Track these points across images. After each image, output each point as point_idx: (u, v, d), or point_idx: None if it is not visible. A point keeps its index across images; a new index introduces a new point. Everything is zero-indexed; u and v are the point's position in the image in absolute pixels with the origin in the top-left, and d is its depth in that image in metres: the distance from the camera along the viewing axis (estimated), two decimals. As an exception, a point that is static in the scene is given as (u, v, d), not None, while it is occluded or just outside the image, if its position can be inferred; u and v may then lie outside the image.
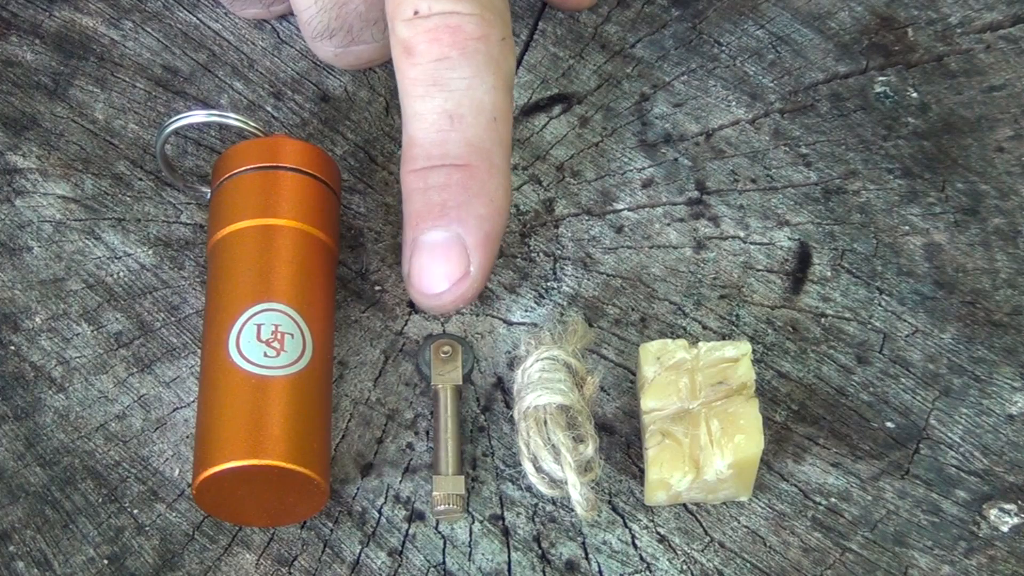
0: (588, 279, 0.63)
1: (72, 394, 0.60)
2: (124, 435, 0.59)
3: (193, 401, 0.60)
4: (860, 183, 0.65)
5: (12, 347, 0.61)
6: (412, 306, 0.63)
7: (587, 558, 0.57)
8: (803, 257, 0.63)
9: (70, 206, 0.64)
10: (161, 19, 0.69)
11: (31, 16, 0.69)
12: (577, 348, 0.58)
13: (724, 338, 0.61)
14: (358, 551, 0.57)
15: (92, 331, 0.61)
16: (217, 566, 0.56)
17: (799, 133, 0.67)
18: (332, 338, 0.59)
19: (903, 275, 0.63)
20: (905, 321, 0.62)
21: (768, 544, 0.57)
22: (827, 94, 0.68)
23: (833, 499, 0.58)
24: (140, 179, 0.65)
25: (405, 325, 0.62)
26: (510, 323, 0.62)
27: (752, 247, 0.64)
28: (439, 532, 0.57)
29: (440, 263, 0.58)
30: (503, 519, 0.58)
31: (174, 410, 0.60)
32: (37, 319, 0.61)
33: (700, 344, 0.58)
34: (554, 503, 0.58)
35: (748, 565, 0.57)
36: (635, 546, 0.57)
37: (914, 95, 0.67)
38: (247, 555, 0.57)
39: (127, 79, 0.68)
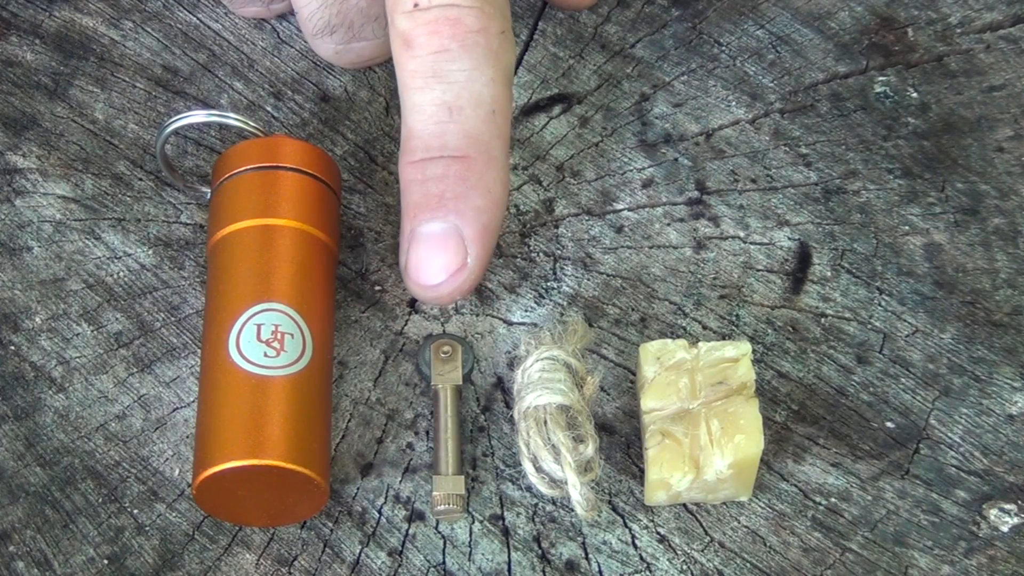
0: (588, 279, 0.63)
1: (72, 394, 0.60)
2: (124, 435, 0.59)
3: (193, 401, 0.60)
4: (860, 183, 0.65)
5: (12, 347, 0.61)
6: (412, 306, 0.63)
7: (587, 558, 0.57)
8: (803, 257, 0.63)
9: (70, 206, 0.64)
10: (161, 19, 0.69)
11: (31, 16, 0.69)
12: (577, 348, 0.58)
13: (724, 338, 0.61)
14: (358, 551, 0.57)
15: (92, 331, 0.61)
16: (217, 566, 0.57)
17: (799, 133, 0.67)
18: (332, 338, 0.59)
19: (903, 275, 0.63)
20: (905, 321, 0.62)
21: (768, 544, 0.57)
22: (827, 94, 0.68)
23: (833, 499, 0.58)
24: (140, 179, 0.65)
25: (405, 325, 0.62)
26: (510, 323, 0.62)
27: (752, 247, 0.64)
28: (439, 532, 0.57)
29: (437, 254, 0.58)
30: (503, 519, 0.58)
31: (174, 410, 0.60)
32: (37, 319, 0.61)
33: (700, 344, 0.58)
34: (554, 503, 0.58)
35: (748, 565, 0.57)
36: (635, 546, 0.57)
37: (914, 95, 0.67)
38: (247, 555, 0.57)
39: (127, 79, 0.68)
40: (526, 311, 0.62)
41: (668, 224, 0.64)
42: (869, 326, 0.62)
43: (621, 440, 0.59)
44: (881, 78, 0.68)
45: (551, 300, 0.62)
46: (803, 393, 0.60)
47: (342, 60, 0.66)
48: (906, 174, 0.65)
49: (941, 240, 0.64)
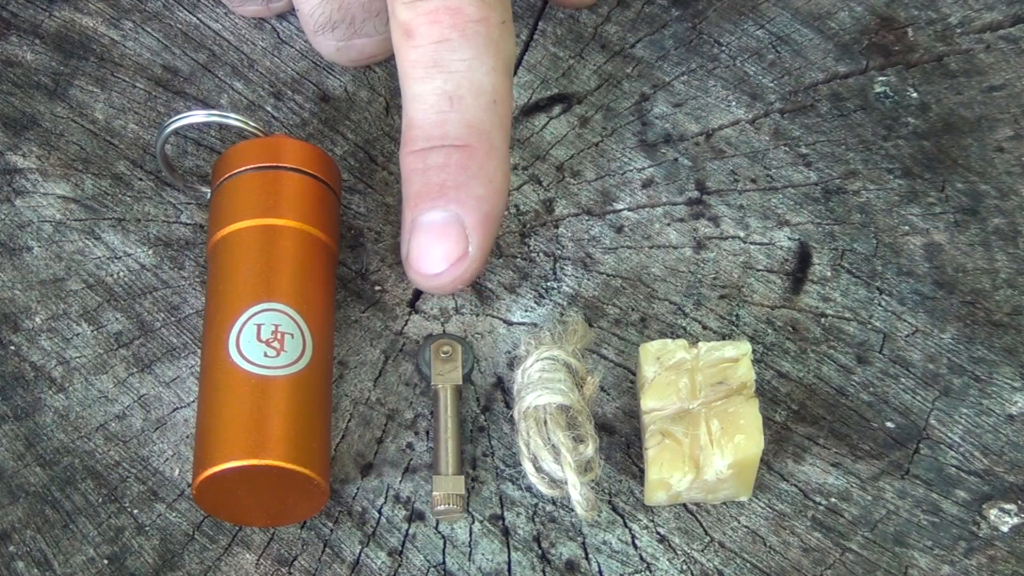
0: (588, 279, 0.63)
1: (72, 394, 0.60)
2: (124, 435, 0.59)
3: (193, 401, 0.60)
4: (860, 183, 0.65)
5: (12, 347, 0.61)
6: (412, 306, 0.63)
7: (587, 558, 0.57)
8: (803, 257, 0.63)
9: (70, 206, 0.64)
10: (161, 19, 0.69)
11: (31, 16, 0.69)
12: (577, 348, 0.58)
13: (724, 338, 0.61)
14: (358, 551, 0.57)
15: (92, 331, 0.61)
16: (217, 566, 0.57)
17: (799, 133, 0.67)
18: (332, 338, 0.59)
19: (903, 275, 0.63)
20: (905, 321, 0.62)
21: (768, 544, 0.57)
22: (827, 94, 0.68)
23: (833, 499, 0.58)
24: (140, 179, 0.65)
25: (405, 325, 0.62)
26: (510, 323, 0.62)
27: (752, 247, 0.64)
28: (439, 532, 0.57)
29: (438, 243, 0.58)
30: (503, 519, 0.58)
31: (174, 410, 0.60)
32: (37, 319, 0.61)
33: (700, 344, 0.58)
34: (554, 503, 0.58)
35: (748, 565, 0.57)
36: (635, 546, 0.57)
37: (914, 95, 0.67)
38: (247, 555, 0.57)
39: (127, 79, 0.68)
40: (526, 311, 0.62)
41: (668, 224, 0.64)
42: (869, 326, 0.62)
43: (621, 440, 0.59)
44: (881, 78, 0.68)
45: (551, 300, 0.62)
46: (803, 393, 0.60)
47: (343, 57, 0.66)
48: (906, 174, 0.65)
49: (941, 240, 0.64)
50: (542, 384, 0.57)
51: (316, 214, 0.60)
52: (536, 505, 0.58)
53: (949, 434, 0.59)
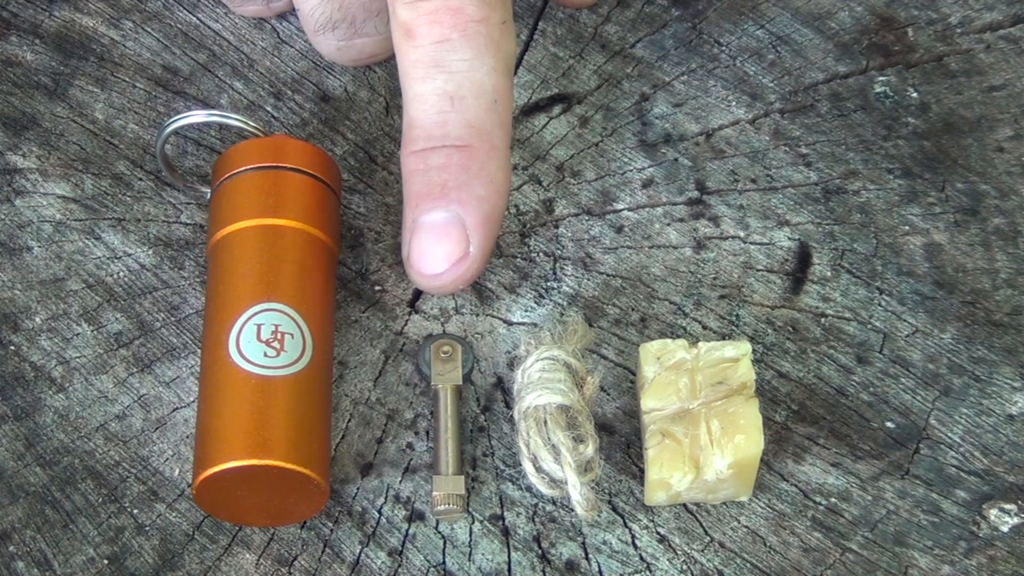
0: (588, 279, 0.63)
1: (72, 394, 0.60)
2: (124, 435, 0.59)
3: (193, 401, 0.60)
4: (860, 183, 0.65)
5: (12, 347, 0.61)
6: (412, 306, 0.63)
7: (587, 558, 0.57)
8: (803, 257, 0.63)
9: (70, 206, 0.64)
10: (161, 19, 0.69)
11: (31, 16, 0.69)
12: (577, 348, 0.58)
13: (724, 338, 0.61)
14: (358, 551, 0.57)
15: (92, 331, 0.61)
16: (217, 566, 0.57)
17: (799, 133, 0.67)
18: (332, 338, 0.59)
19: (903, 275, 0.63)
20: (905, 321, 0.62)
21: (768, 544, 0.57)
22: (827, 94, 0.68)
23: (833, 499, 0.58)
24: (140, 179, 0.65)
25: (405, 325, 0.62)
26: (510, 323, 0.62)
27: (752, 247, 0.64)
28: (439, 532, 0.57)
29: (439, 243, 0.58)
30: (503, 519, 0.58)
31: (174, 410, 0.60)
32: (37, 319, 0.61)
33: (700, 344, 0.58)
34: (554, 503, 0.58)
35: (748, 565, 0.57)
36: (635, 546, 0.57)
37: (914, 95, 0.67)
38: (247, 555, 0.57)
39: (127, 79, 0.68)
40: (526, 311, 0.62)
41: (668, 224, 0.64)
42: (869, 326, 0.62)
43: (621, 440, 0.59)
44: (881, 78, 0.68)
45: (551, 300, 0.62)
46: (803, 393, 0.60)
47: (343, 57, 0.66)
48: (906, 174, 0.65)
49: (941, 240, 0.64)
50: (542, 384, 0.57)
51: (316, 214, 0.60)
52: (536, 505, 0.58)
53: (949, 434, 0.59)
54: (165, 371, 0.60)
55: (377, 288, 0.63)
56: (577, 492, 0.56)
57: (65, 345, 0.61)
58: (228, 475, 0.54)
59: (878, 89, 0.68)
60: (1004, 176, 0.65)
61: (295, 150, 0.61)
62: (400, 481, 0.58)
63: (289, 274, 0.58)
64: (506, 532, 0.57)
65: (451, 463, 0.58)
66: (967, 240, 0.64)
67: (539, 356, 0.58)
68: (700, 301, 0.62)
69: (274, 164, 0.60)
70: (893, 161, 0.66)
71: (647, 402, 0.57)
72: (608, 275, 0.63)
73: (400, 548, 0.57)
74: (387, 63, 0.68)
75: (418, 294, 0.63)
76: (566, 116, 0.67)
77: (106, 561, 0.56)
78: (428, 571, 0.57)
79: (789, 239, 0.64)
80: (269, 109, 0.67)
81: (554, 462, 0.56)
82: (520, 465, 0.57)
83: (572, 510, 0.57)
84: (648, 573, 0.57)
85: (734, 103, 0.67)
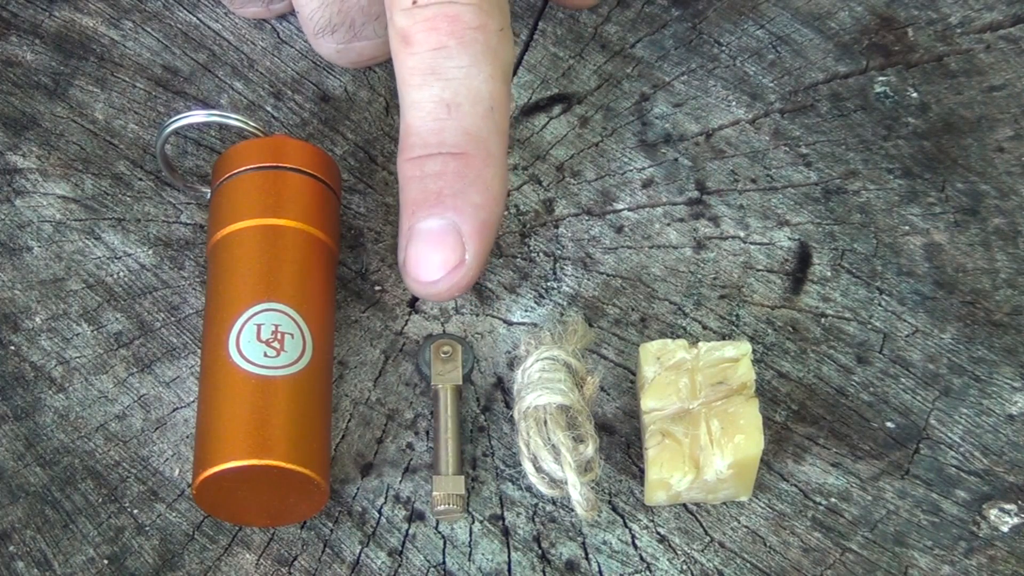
0: (588, 279, 0.63)
1: (72, 394, 0.60)
2: (124, 435, 0.59)
3: (193, 401, 0.60)
4: (860, 183, 0.65)
5: (12, 347, 0.61)
6: (412, 306, 0.63)
7: (587, 558, 0.57)
8: (803, 257, 0.63)
9: (70, 206, 0.64)
10: (161, 19, 0.69)
11: (31, 16, 0.69)
12: (577, 348, 0.58)
13: (724, 338, 0.61)
14: (358, 551, 0.57)
15: (92, 331, 0.61)
16: (217, 566, 0.57)
17: (799, 133, 0.67)
18: (332, 338, 0.59)
19: (903, 275, 0.63)
20: (905, 321, 0.62)
21: (768, 544, 0.57)
22: (827, 94, 0.68)
23: (833, 499, 0.58)
24: (140, 179, 0.65)
25: (405, 325, 0.62)
26: (510, 323, 0.62)
27: (752, 247, 0.64)
28: (439, 532, 0.57)
29: (435, 251, 0.58)
30: (503, 519, 0.58)
31: (174, 410, 0.60)
32: (37, 319, 0.61)
33: (700, 344, 0.58)
34: (554, 503, 0.58)
35: (748, 565, 0.57)
36: (635, 546, 0.57)
37: (914, 95, 0.67)
38: (247, 555, 0.57)
39: (127, 79, 0.68)
40: (526, 311, 0.62)
41: (668, 224, 0.64)
42: (869, 326, 0.62)
43: (621, 440, 0.59)
44: (881, 78, 0.68)
45: (551, 300, 0.62)
46: (803, 393, 0.60)
47: (343, 60, 0.66)
48: (906, 174, 0.65)
49: (941, 240, 0.64)
50: (542, 384, 0.57)
51: (316, 214, 0.60)
52: (536, 505, 0.58)
53: (949, 434, 0.59)
54: (165, 371, 0.61)
55: (377, 288, 0.63)
56: (577, 492, 0.56)
57: (65, 345, 0.61)
58: (228, 475, 0.54)
59: (878, 89, 0.68)
60: (1004, 176, 0.65)
61: (295, 150, 0.61)
62: (400, 481, 0.58)
63: (289, 274, 0.58)
64: (506, 532, 0.57)
65: (451, 463, 0.58)
66: (967, 240, 0.64)
67: (539, 356, 0.58)
68: (700, 301, 0.62)
69: (274, 164, 0.60)
70: (893, 161, 0.66)
71: (647, 402, 0.57)
72: (608, 275, 0.63)
73: (400, 548, 0.57)
74: (387, 64, 0.68)
75: (418, 294, 0.63)
76: (566, 116, 0.67)
77: (106, 561, 0.56)
78: (428, 571, 0.57)
79: (789, 239, 0.64)
80: (269, 109, 0.67)
81: (554, 462, 0.56)
82: (520, 465, 0.57)
83: (572, 510, 0.57)
84: (648, 573, 0.57)
85: (734, 103, 0.67)
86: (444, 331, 0.62)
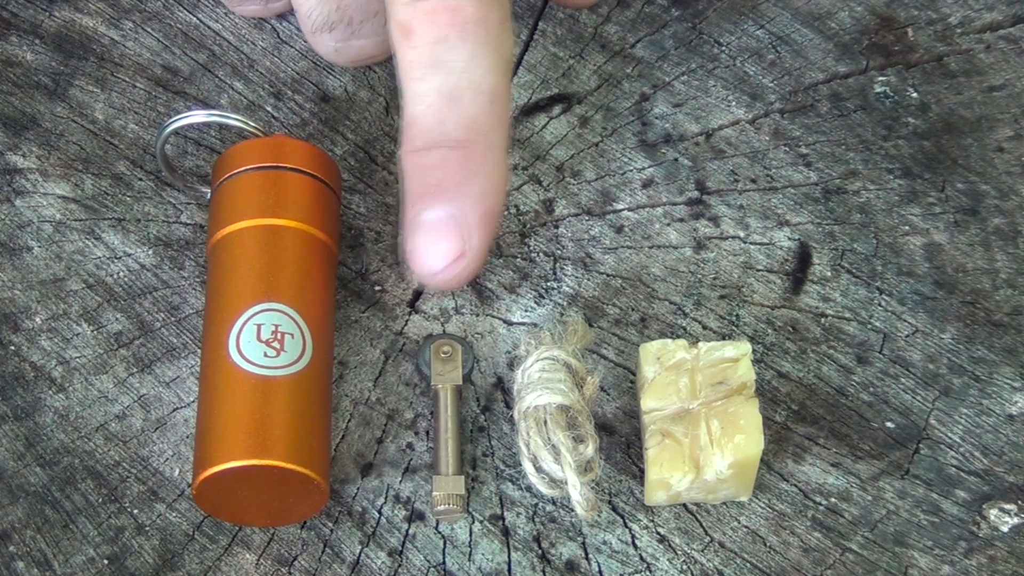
0: (588, 279, 0.63)
1: (72, 394, 0.60)
2: (124, 435, 0.59)
3: (193, 401, 0.60)
4: (860, 183, 0.65)
5: (12, 347, 0.61)
6: (412, 306, 0.63)
7: (587, 558, 0.57)
8: (803, 257, 0.63)
9: (70, 206, 0.64)
10: (161, 19, 0.69)
11: (31, 16, 0.69)
12: (577, 348, 0.58)
13: (724, 338, 0.61)
14: (358, 551, 0.57)
15: (92, 331, 0.61)
16: (217, 566, 0.57)
17: (799, 133, 0.67)
18: (332, 338, 0.59)
19: (903, 275, 0.63)
20: (905, 321, 0.62)
21: (768, 544, 0.57)
22: (827, 94, 0.68)
23: (833, 499, 0.58)
24: (140, 179, 0.65)
25: (405, 325, 0.62)
26: (510, 323, 0.62)
27: (752, 247, 0.64)
28: (439, 532, 0.57)
29: (437, 242, 0.58)
30: (503, 519, 0.58)
31: (174, 410, 0.60)
32: (37, 319, 0.61)
33: (700, 344, 0.58)
34: (554, 503, 0.58)
35: (748, 565, 0.57)
36: (635, 546, 0.57)
37: (914, 95, 0.67)
38: (247, 555, 0.57)
39: (127, 79, 0.68)
40: (526, 311, 0.62)
41: (668, 224, 0.64)
42: (869, 326, 0.62)
43: (621, 440, 0.59)
44: (881, 78, 0.68)
45: (551, 300, 0.62)
46: (803, 393, 0.60)
47: (341, 58, 0.66)
48: (906, 174, 0.65)
49: (941, 240, 0.64)
50: (542, 384, 0.57)
51: (316, 214, 0.60)
52: (536, 505, 0.58)
53: (949, 434, 0.59)
54: (165, 371, 0.61)
55: (377, 288, 0.63)
56: (577, 492, 0.56)
57: (65, 345, 0.61)
58: (228, 475, 0.54)
59: (878, 89, 0.68)
60: (1004, 176, 0.65)
61: (295, 150, 0.61)
62: (400, 481, 0.58)
63: (289, 274, 0.58)
64: (506, 532, 0.57)
65: (451, 463, 0.58)
66: (967, 240, 0.64)
67: (539, 356, 0.58)
68: (700, 301, 0.62)
69: (274, 164, 0.60)
70: (893, 161, 0.66)
71: (647, 402, 0.57)
72: (608, 275, 0.63)
73: (400, 548, 0.57)
74: (386, 63, 0.68)
75: (418, 294, 0.63)
76: (566, 116, 0.67)
77: (106, 561, 0.56)
78: (428, 571, 0.57)
79: (789, 239, 0.64)
80: (269, 109, 0.67)
81: (554, 462, 0.56)
82: (520, 465, 0.57)
83: (572, 510, 0.57)
84: (648, 573, 0.57)
85: (734, 103, 0.67)
86: (444, 331, 0.62)
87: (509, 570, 0.57)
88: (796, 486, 0.58)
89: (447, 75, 0.58)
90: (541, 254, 0.64)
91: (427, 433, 0.59)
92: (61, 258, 0.63)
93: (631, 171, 0.66)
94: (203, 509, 0.56)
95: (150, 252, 0.63)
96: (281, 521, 0.57)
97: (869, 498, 0.58)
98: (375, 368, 0.61)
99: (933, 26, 0.69)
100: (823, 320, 0.62)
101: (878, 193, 0.65)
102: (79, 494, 0.58)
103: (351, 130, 0.67)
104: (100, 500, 0.58)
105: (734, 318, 0.62)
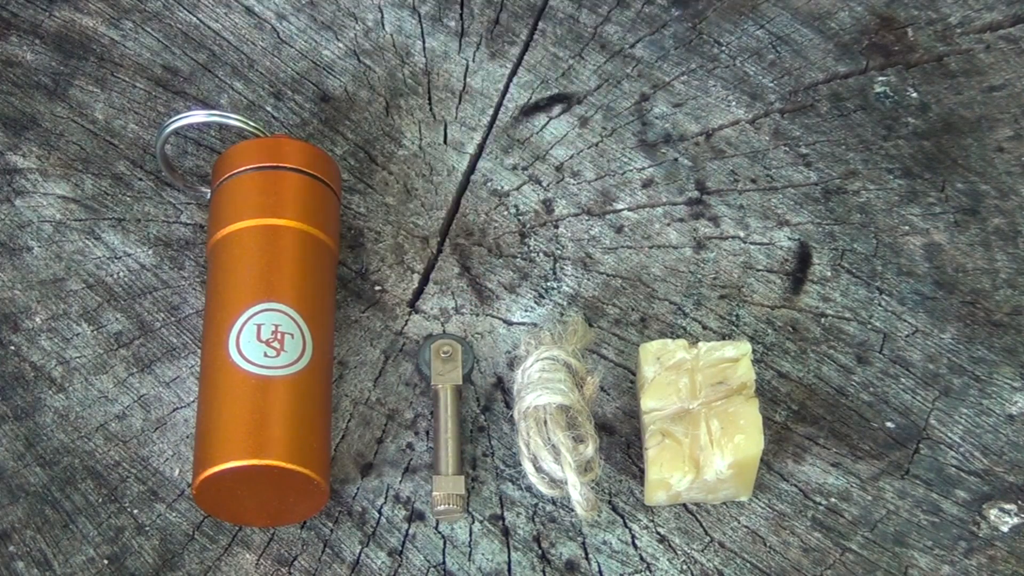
0: (588, 279, 0.63)
1: (72, 394, 0.60)
2: (124, 435, 0.59)
3: (193, 401, 0.60)
4: (860, 183, 0.65)
5: (12, 347, 0.61)
6: (412, 306, 0.63)
7: (587, 558, 0.57)
8: (803, 257, 0.63)
9: (70, 206, 0.64)
10: (161, 19, 0.69)
11: (31, 16, 0.69)
12: (577, 348, 0.58)
13: (724, 338, 0.61)
14: (358, 551, 0.57)
15: (92, 331, 0.61)
16: (217, 566, 0.57)
17: (799, 133, 0.67)
18: (332, 338, 0.59)
19: (903, 275, 0.63)
20: (905, 321, 0.62)
21: (768, 544, 0.57)
22: (827, 94, 0.68)
23: (833, 499, 0.58)
24: (140, 179, 0.65)
25: (405, 325, 0.62)
26: (510, 323, 0.62)
27: (752, 247, 0.64)
28: (439, 532, 0.57)
29: None
30: (503, 519, 0.58)
31: (174, 410, 0.60)
32: (37, 319, 0.61)
33: (700, 344, 0.58)
34: (554, 503, 0.58)
35: (748, 565, 0.57)
36: (635, 546, 0.57)
37: (914, 95, 0.67)
38: (247, 555, 0.57)
39: (127, 79, 0.68)
40: (526, 311, 0.62)
41: (668, 224, 0.64)
42: (869, 326, 0.62)
43: (621, 440, 0.59)
44: (881, 78, 0.68)
45: (551, 300, 0.62)
46: (803, 393, 0.60)
47: None
48: (906, 174, 0.65)
49: (941, 240, 0.64)
50: (542, 384, 0.57)
51: (316, 214, 0.60)
52: (536, 505, 0.58)
53: (949, 434, 0.59)
54: (165, 371, 0.60)
55: (377, 288, 0.63)
56: (577, 492, 0.56)
57: (65, 345, 0.61)
58: (228, 475, 0.54)
59: (878, 89, 0.68)
60: (1004, 176, 0.65)
61: (295, 150, 0.61)
62: (400, 481, 0.58)
63: (289, 274, 0.58)
64: (506, 532, 0.57)
65: (451, 463, 0.58)
66: (967, 240, 0.64)
67: (539, 356, 0.58)
68: (700, 301, 0.62)
69: (274, 164, 0.60)
70: (893, 161, 0.66)
71: (647, 402, 0.57)
72: (608, 275, 0.63)
73: (400, 548, 0.57)
74: (386, 62, 0.68)
75: (418, 294, 0.63)
76: (566, 116, 0.67)
77: (106, 561, 0.56)
78: (428, 571, 0.57)
79: (789, 239, 0.64)
80: (269, 109, 0.67)
81: (554, 462, 0.56)
82: (520, 465, 0.57)
83: (572, 510, 0.57)
84: (648, 573, 0.57)
85: (734, 103, 0.67)
86: (444, 331, 0.62)
87: (509, 570, 0.57)
88: (796, 486, 0.58)
89: None
90: (541, 254, 0.64)
91: (427, 433, 0.59)
92: (61, 258, 0.63)
93: (631, 171, 0.66)
94: (203, 509, 0.56)
95: (150, 252, 0.63)
96: (281, 521, 0.57)
97: (869, 498, 0.58)
98: (375, 368, 0.61)
99: (933, 26, 0.69)
100: (823, 320, 0.62)
101: (878, 193, 0.65)
102: (79, 494, 0.58)
103: (351, 130, 0.67)
104: (100, 500, 0.58)
105: (734, 318, 0.62)
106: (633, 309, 0.62)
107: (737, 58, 0.69)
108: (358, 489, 0.58)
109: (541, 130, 0.67)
